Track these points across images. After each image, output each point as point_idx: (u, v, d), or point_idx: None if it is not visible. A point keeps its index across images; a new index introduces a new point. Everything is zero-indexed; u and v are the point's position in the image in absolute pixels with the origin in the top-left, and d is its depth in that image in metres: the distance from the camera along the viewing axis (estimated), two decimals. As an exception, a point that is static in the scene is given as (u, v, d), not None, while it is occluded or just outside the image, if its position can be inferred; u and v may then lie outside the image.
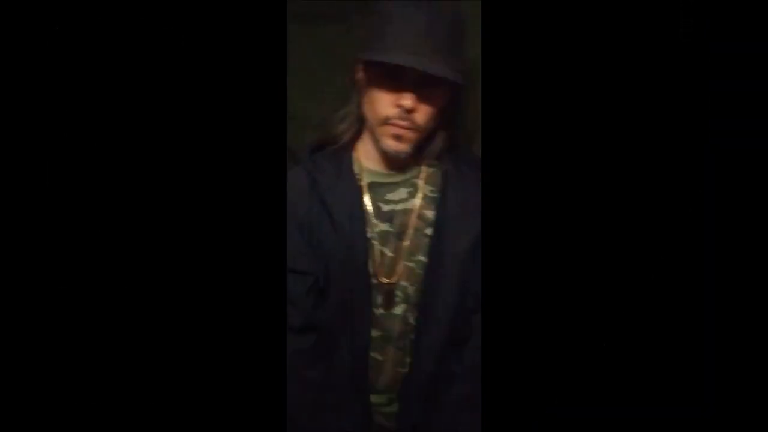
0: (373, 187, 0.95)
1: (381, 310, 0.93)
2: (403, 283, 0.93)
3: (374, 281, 0.93)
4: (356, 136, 0.97)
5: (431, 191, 0.96)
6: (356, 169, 0.96)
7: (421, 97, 0.87)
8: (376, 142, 0.92)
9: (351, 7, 1.34)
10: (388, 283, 0.92)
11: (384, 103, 0.88)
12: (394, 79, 0.86)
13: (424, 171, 0.96)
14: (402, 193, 0.95)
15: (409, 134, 0.89)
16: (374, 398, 0.95)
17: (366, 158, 0.96)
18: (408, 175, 0.96)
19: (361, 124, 0.96)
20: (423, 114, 0.88)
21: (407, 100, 0.86)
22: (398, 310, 0.93)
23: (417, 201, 0.95)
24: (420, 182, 0.96)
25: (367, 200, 0.94)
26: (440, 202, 0.95)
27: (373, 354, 0.93)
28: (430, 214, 0.95)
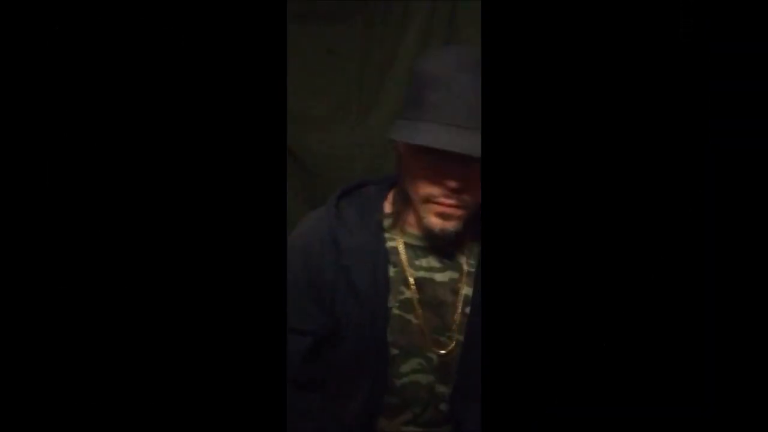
0: (405, 249, 0.83)
1: (405, 379, 0.83)
2: (436, 357, 0.83)
3: (399, 352, 0.82)
4: (395, 183, 0.85)
5: (470, 265, 0.84)
6: (386, 224, 0.84)
7: (470, 175, 0.74)
8: (419, 217, 0.80)
9: (351, 7, 1.34)
10: (439, 354, 0.82)
11: (425, 182, 0.76)
12: (436, 157, 0.73)
13: (469, 246, 0.84)
14: (435, 261, 0.84)
15: (458, 212, 0.77)
16: None
17: (404, 222, 0.84)
18: (450, 249, 0.84)
19: (402, 194, 0.82)
20: (473, 192, 0.76)
21: (451, 182, 0.74)
22: (426, 378, 0.84)
23: (452, 273, 0.84)
24: (463, 258, 0.84)
25: (394, 263, 0.82)
26: (476, 273, 0.83)
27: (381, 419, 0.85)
28: (466, 290, 0.84)
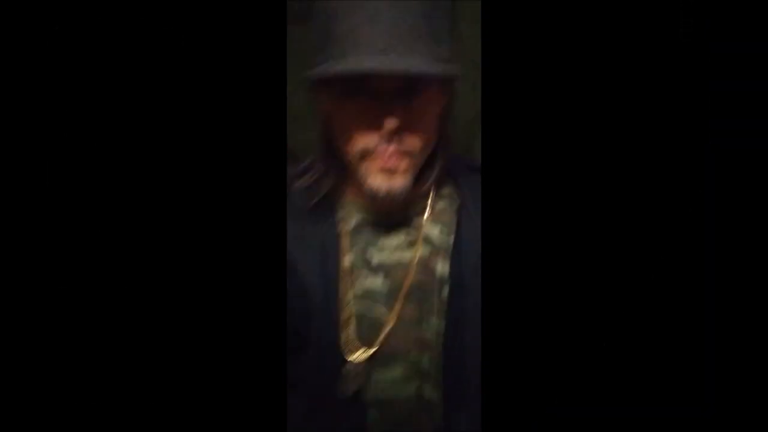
0: (359, 232, 0.72)
1: (388, 388, 0.69)
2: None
3: (375, 352, 0.69)
4: (339, 182, 0.73)
5: (441, 231, 0.72)
6: (340, 213, 0.73)
7: (408, 112, 0.64)
8: (362, 182, 0.67)
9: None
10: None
11: (359, 134, 0.65)
12: (366, 96, 0.63)
13: (430, 205, 0.72)
14: (399, 238, 0.72)
15: (402, 164, 0.65)
16: None
17: (356, 198, 0.72)
18: (409, 213, 0.72)
19: (336, 168, 0.71)
20: (414, 135, 0.65)
21: (389, 121, 0.63)
22: (410, 388, 0.70)
23: (419, 250, 0.71)
24: (423, 219, 0.72)
25: (348, 251, 0.70)
26: (454, 249, 0.71)
27: None
28: (442, 267, 0.71)
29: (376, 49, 0.60)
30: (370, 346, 0.69)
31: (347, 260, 0.70)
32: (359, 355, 0.69)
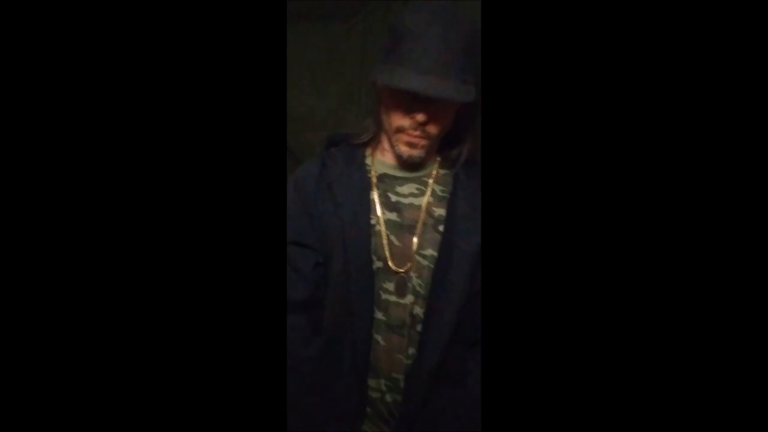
0: (383, 179, 0.99)
1: (391, 297, 0.95)
2: (413, 275, 0.95)
3: (383, 266, 0.95)
4: (373, 138, 1.02)
5: (441, 191, 0.99)
6: (369, 162, 1.01)
7: (434, 111, 0.91)
8: (391, 145, 0.97)
9: (351, 7, 1.34)
10: (399, 272, 0.95)
11: (398, 115, 0.93)
12: (407, 95, 0.89)
13: (436, 171, 1.00)
14: (411, 188, 0.99)
15: (422, 142, 0.94)
16: (372, 382, 0.96)
17: (381, 154, 1.01)
18: (419, 174, 1.00)
19: (378, 128, 1.00)
20: (436, 126, 0.93)
21: (419, 115, 0.90)
22: (407, 299, 0.95)
23: (426, 198, 0.98)
24: (430, 181, 1.00)
25: (374, 190, 0.98)
26: (450, 201, 0.98)
27: (375, 336, 0.95)
28: (440, 211, 0.98)
29: (421, 69, 0.87)
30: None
31: (374, 195, 0.98)
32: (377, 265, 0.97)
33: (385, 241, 0.95)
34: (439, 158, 1.02)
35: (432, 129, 0.93)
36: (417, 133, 0.93)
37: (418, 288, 0.95)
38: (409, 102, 0.91)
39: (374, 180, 0.99)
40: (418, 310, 0.95)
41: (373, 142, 1.02)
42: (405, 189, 0.99)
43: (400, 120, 0.93)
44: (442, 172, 1.01)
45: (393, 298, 0.95)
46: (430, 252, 0.96)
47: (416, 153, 0.95)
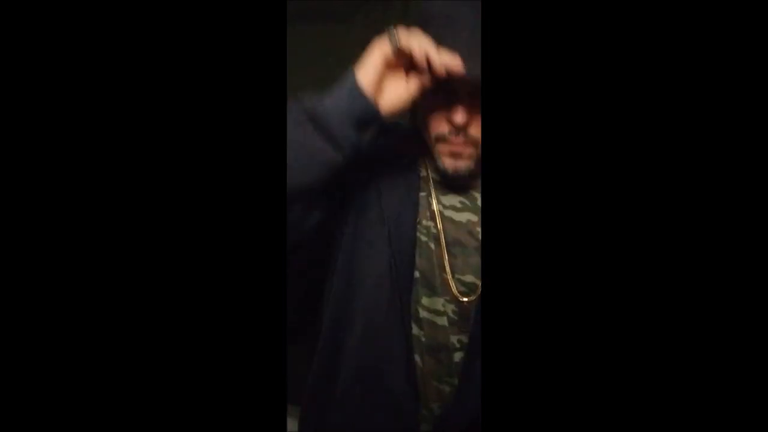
0: (429, 181, 0.88)
1: (425, 313, 0.86)
2: (446, 297, 0.86)
3: (420, 277, 0.84)
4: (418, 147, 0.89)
5: None
6: (422, 169, 0.89)
7: (474, 109, 0.79)
8: (435, 160, 0.85)
9: (351, 7, 1.34)
10: (460, 300, 0.84)
11: (435, 120, 0.82)
12: (444, 92, 0.79)
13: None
14: (454, 200, 0.88)
15: (468, 150, 0.81)
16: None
17: (431, 166, 0.88)
18: (467, 185, 0.87)
19: (418, 141, 0.87)
20: (478, 127, 0.80)
21: (458, 114, 0.78)
22: (442, 320, 0.86)
23: (470, 215, 0.87)
24: (478, 195, 0.87)
25: (422, 192, 0.87)
26: None
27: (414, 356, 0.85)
28: (480, 231, 0.85)
29: (463, 53, 0.74)
30: None
31: (421, 196, 0.88)
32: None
33: (424, 251, 0.85)
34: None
35: (476, 132, 0.80)
36: (460, 140, 0.80)
37: (452, 314, 0.85)
38: (444, 99, 0.79)
39: (428, 179, 0.87)
40: (455, 339, 0.85)
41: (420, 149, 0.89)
42: (447, 199, 0.88)
43: (437, 127, 0.81)
44: None
45: (429, 316, 0.85)
46: (471, 279, 0.85)
47: (463, 165, 0.82)
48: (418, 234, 0.86)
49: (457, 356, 0.86)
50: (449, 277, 0.85)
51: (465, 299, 0.84)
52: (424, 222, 0.87)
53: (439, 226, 0.86)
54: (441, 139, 0.82)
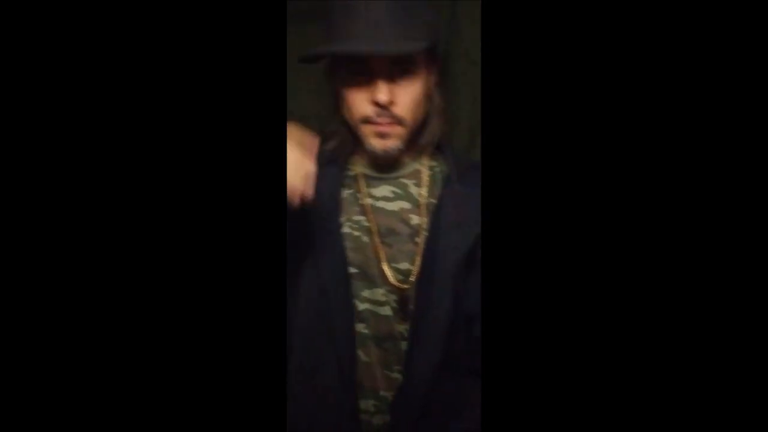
0: (358, 179, 0.90)
1: (366, 305, 0.87)
2: (386, 287, 0.87)
3: (360, 273, 0.86)
4: (345, 141, 0.91)
5: (422, 195, 0.89)
6: (347, 164, 0.92)
7: (397, 87, 0.82)
8: (363, 143, 0.86)
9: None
10: (399, 288, 0.85)
11: (358, 102, 0.83)
12: (363, 74, 0.81)
13: (422, 173, 0.90)
14: (385, 190, 0.90)
15: (395, 129, 0.83)
16: (361, 403, 0.87)
17: (360, 154, 0.91)
18: (396, 174, 0.90)
19: (346, 127, 0.89)
20: (403, 105, 0.82)
21: (381, 93, 0.80)
22: (385, 310, 0.88)
23: (403, 203, 0.89)
24: (410, 183, 0.90)
25: (347, 189, 0.89)
26: (436, 209, 0.88)
27: (358, 351, 0.87)
28: (417, 219, 0.88)
29: (367, 35, 0.78)
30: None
31: (345, 194, 0.89)
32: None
33: (358, 245, 0.86)
34: (425, 158, 0.90)
35: (400, 111, 0.82)
36: (385, 119, 0.82)
37: (394, 303, 0.87)
38: (367, 81, 0.81)
39: (355, 177, 0.89)
40: (400, 326, 0.87)
41: (348, 145, 0.91)
42: (379, 191, 0.89)
43: (362, 108, 0.82)
44: (428, 172, 0.90)
45: (367, 306, 0.87)
46: (406, 266, 0.87)
47: (390, 144, 0.84)
48: (348, 230, 0.87)
49: (404, 344, 0.87)
50: (386, 266, 0.86)
51: (405, 286, 0.85)
52: (354, 217, 0.88)
53: (371, 218, 0.88)
54: (366, 120, 0.83)
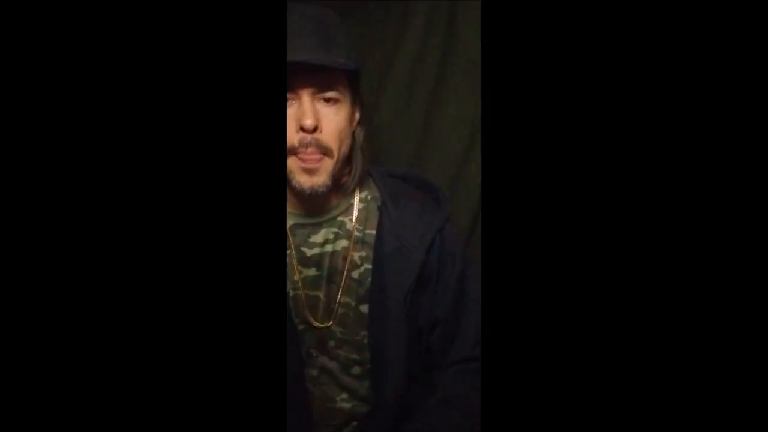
0: (294, 231, 0.88)
1: (315, 353, 0.90)
2: (336, 328, 0.89)
3: (306, 326, 0.88)
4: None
5: (360, 229, 0.89)
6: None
7: (321, 114, 0.81)
8: (290, 179, 0.83)
9: (351, 7, 1.34)
10: (321, 328, 0.88)
11: (288, 132, 0.80)
12: (294, 103, 0.80)
13: (354, 207, 0.90)
14: (327, 234, 0.89)
15: (322, 164, 0.82)
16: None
17: (291, 198, 0.88)
18: (332, 214, 0.89)
19: None
20: (328, 132, 0.81)
21: (307, 118, 0.79)
22: (341, 352, 0.90)
23: (344, 242, 0.89)
24: (346, 220, 0.90)
25: (290, 247, 0.87)
26: (376, 239, 0.88)
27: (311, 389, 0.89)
28: (357, 256, 0.89)
29: (305, 50, 0.78)
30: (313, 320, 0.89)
31: (291, 254, 0.87)
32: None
33: (306, 299, 0.87)
34: (356, 192, 0.90)
35: (325, 138, 0.81)
36: (312, 150, 0.80)
37: (346, 340, 0.89)
38: (296, 111, 0.80)
39: (288, 232, 0.87)
40: (358, 362, 0.89)
41: None
42: (320, 237, 0.88)
43: (290, 138, 0.80)
44: (361, 206, 0.90)
45: (316, 354, 0.89)
46: (348, 300, 0.88)
47: (318, 181, 0.81)
48: (295, 291, 0.88)
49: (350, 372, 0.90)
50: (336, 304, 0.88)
51: (322, 326, 0.87)
52: (303, 273, 0.89)
53: (317, 271, 0.88)
54: (292, 152, 0.81)
